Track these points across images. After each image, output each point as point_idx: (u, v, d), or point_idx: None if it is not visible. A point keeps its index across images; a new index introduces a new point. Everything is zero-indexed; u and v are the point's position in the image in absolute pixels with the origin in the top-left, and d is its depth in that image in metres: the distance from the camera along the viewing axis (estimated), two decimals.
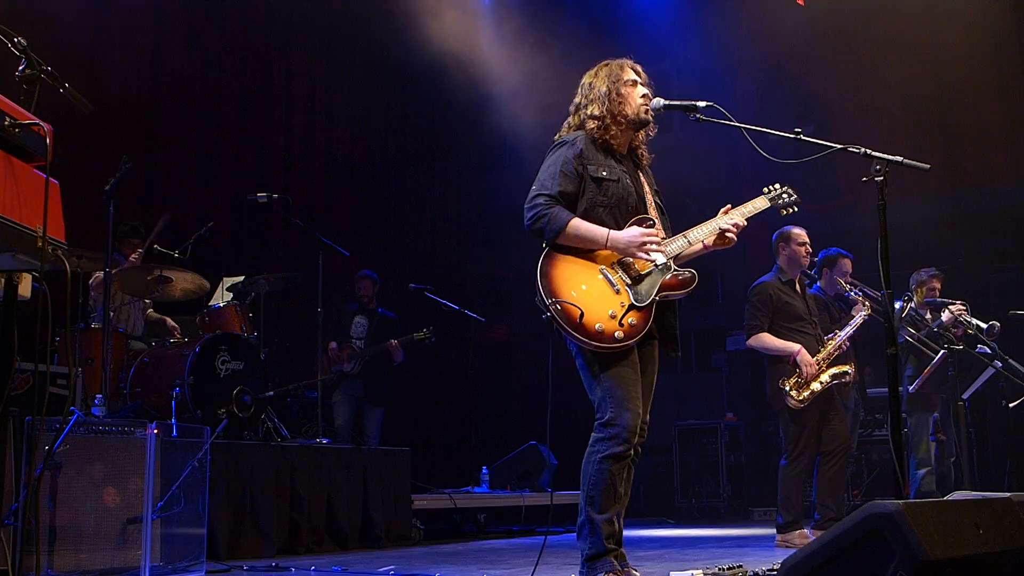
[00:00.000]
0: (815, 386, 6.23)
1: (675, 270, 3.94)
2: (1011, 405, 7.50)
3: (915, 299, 7.65)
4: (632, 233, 3.87)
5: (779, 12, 10.84)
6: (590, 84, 4.11)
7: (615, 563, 3.75)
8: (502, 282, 11.11)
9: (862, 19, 10.58)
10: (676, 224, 4.18)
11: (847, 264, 7.01)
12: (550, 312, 3.73)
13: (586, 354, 3.84)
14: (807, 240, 6.64)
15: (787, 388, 6.21)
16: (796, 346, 6.28)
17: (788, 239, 6.61)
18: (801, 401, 6.19)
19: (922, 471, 7.42)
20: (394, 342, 8.59)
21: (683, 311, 4.08)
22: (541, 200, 3.90)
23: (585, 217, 3.90)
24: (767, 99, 11.21)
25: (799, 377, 6.21)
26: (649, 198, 4.10)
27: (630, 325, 3.77)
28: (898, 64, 10.69)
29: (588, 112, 4.06)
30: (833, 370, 6.30)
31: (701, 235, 4.04)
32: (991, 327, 7.32)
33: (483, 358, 11.69)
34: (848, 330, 6.49)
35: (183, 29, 9.05)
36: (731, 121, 4.02)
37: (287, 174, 9.88)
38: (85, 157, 7.68)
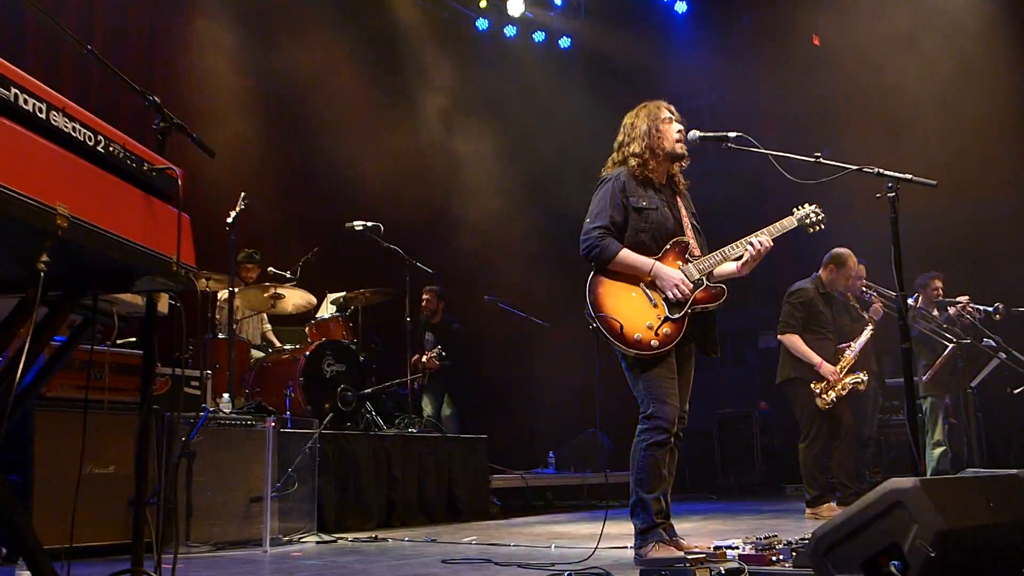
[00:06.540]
0: (836, 392, 6.27)
1: (708, 285, 3.88)
2: (1015, 391, 7.34)
3: (921, 299, 7.47)
4: (673, 275, 3.83)
5: (794, 48, 10.74)
6: (632, 124, 4.03)
7: (664, 534, 3.73)
8: (563, 293, 11.03)
9: (874, 53, 10.31)
10: (712, 240, 4.11)
11: (862, 269, 6.87)
12: (596, 324, 3.77)
13: (628, 359, 3.84)
14: (860, 275, 6.62)
15: (818, 391, 6.27)
16: (818, 359, 6.28)
17: (843, 265, 6.48)
18: (829, 403, 6.24)
19: (937, 451, 7.23)
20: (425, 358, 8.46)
21: (719, 313, 4.00)
22: (596, 232, 3.87)
23: (631, 241, 3.87)
24: (790, 125, 11.00)
25: (826, 383, 6.27)
26: (686, 221, 4.03)
27: (664, 335, 3.77)
28: (908, 86, 10.38)
29: (630, 150, 3.99)
30: (850, 379, 6.31)
31: (734, 252, 3.94)
32: (996, 308, 7.12)
33: (548, 358, 11.63)
34: (858, 346, 6.46)
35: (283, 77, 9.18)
36: (759, 148, 3.94)
37: (379, 203, 9.92)
38: (210, 193, 7.82)
